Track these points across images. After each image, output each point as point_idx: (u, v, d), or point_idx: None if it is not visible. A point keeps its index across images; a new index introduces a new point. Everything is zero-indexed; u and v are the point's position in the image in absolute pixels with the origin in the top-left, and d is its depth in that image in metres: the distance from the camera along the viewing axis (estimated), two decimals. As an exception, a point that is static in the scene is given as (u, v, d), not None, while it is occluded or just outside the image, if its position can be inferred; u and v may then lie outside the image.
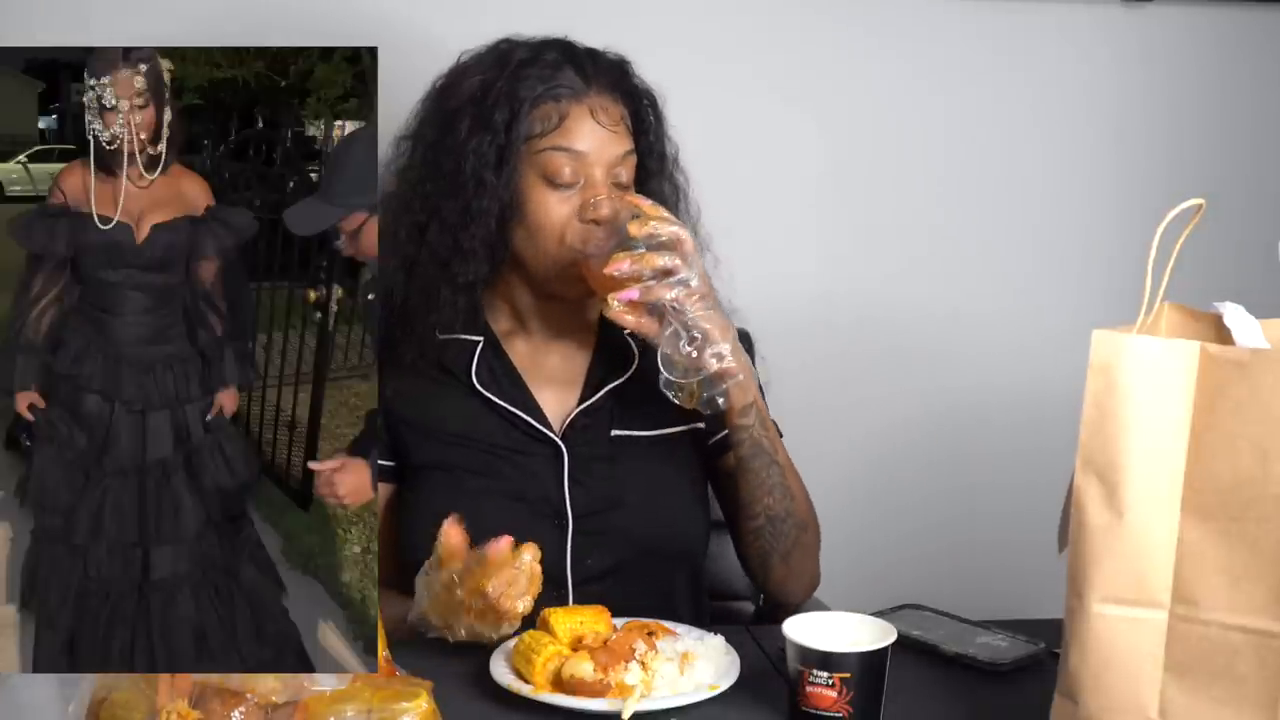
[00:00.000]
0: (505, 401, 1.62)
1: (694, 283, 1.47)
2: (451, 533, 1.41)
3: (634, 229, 1.48)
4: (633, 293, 1.47)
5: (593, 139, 1.57)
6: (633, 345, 1.68)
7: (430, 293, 1.61)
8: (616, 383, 1.65)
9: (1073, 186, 2.32)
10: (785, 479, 1.62)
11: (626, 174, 1.61)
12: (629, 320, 1.48)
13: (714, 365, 1.48)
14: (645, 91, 1.65)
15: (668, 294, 1.46)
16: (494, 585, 1.34)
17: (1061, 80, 2.28)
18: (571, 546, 1.60)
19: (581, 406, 1.64)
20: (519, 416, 1.62)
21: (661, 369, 1.49)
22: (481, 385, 1.63)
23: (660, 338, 1.48)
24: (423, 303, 1.61)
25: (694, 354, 1.47)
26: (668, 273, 1.47)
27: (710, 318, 1.48)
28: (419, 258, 1.60)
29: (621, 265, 1.46)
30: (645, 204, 1.52)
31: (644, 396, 1.64)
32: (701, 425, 1.69)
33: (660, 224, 1.48)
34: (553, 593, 1.58)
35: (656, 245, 1.47)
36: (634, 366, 1.66)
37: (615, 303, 1.48)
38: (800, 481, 1.66)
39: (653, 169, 1.66)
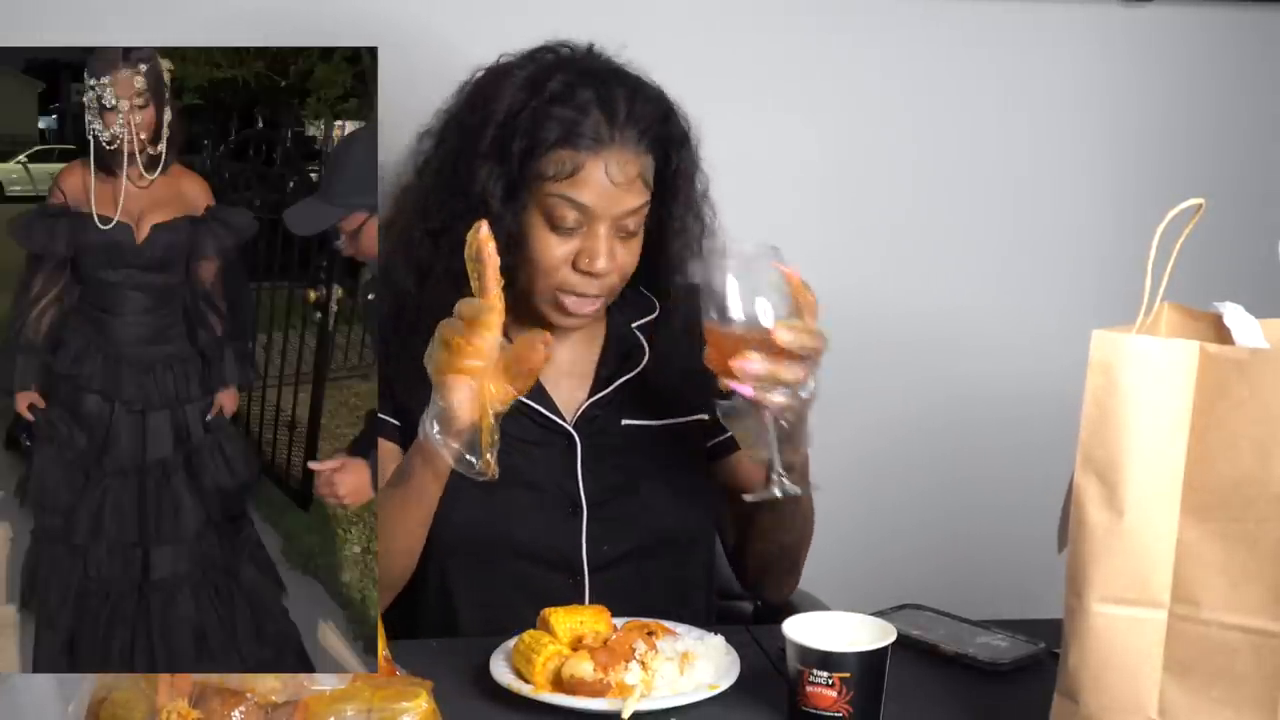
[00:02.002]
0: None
1: (805, 394, 1.37)
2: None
3: (782, 334, 1.34)
4: (746, 389, 1.36)
5: (602, 195, 1.54)
6: (641, 340, 1.69)
7: (445, 303, 1.60)
8: (628, 377, 1.67)
9: (1071, 186, 2.32)
10: (808, 515, 1.64)
11: (635, 224, 1.59)
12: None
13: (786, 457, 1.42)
14: (679, 136, 1.62)
15: (779, 400, 1.36)
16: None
17: (1061, 80, 2.28)
18: (586, 534, 1.61)
19: (593, 398, 1.66)
20: (531, 407, 1.63)
21: (728, 425, 1.44)
22: None
23: (752, 418, 1.39)
24: (437, 311, 1.61)
25: (776, 450, 1.39)
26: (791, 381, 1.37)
27: (805, 424, 1.40)
28: (434, 267, 1.59)
29: (751, 365, 1.34)
30: (804, 297, 1.37)
31: (653, 387, 1.67)
32: (706, 417, 1.70)
33: (808, 337, 1.35)
34: (568, 580, 1.60)
35: (792, 355, 1.35)
36: (644, 360, 1.68)
37: (725, 383, 1.38)
38: (812, 504, 1.66)
39: (676, 212, 1.64)
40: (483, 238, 1.32)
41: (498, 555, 1.59)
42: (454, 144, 1.61)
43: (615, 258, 1.57)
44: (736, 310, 1.35)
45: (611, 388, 1.66)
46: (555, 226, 1.55)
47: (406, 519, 1.51)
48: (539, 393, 1.64)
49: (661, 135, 1.60)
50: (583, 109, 1.55)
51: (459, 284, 1.58)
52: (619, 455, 1.65)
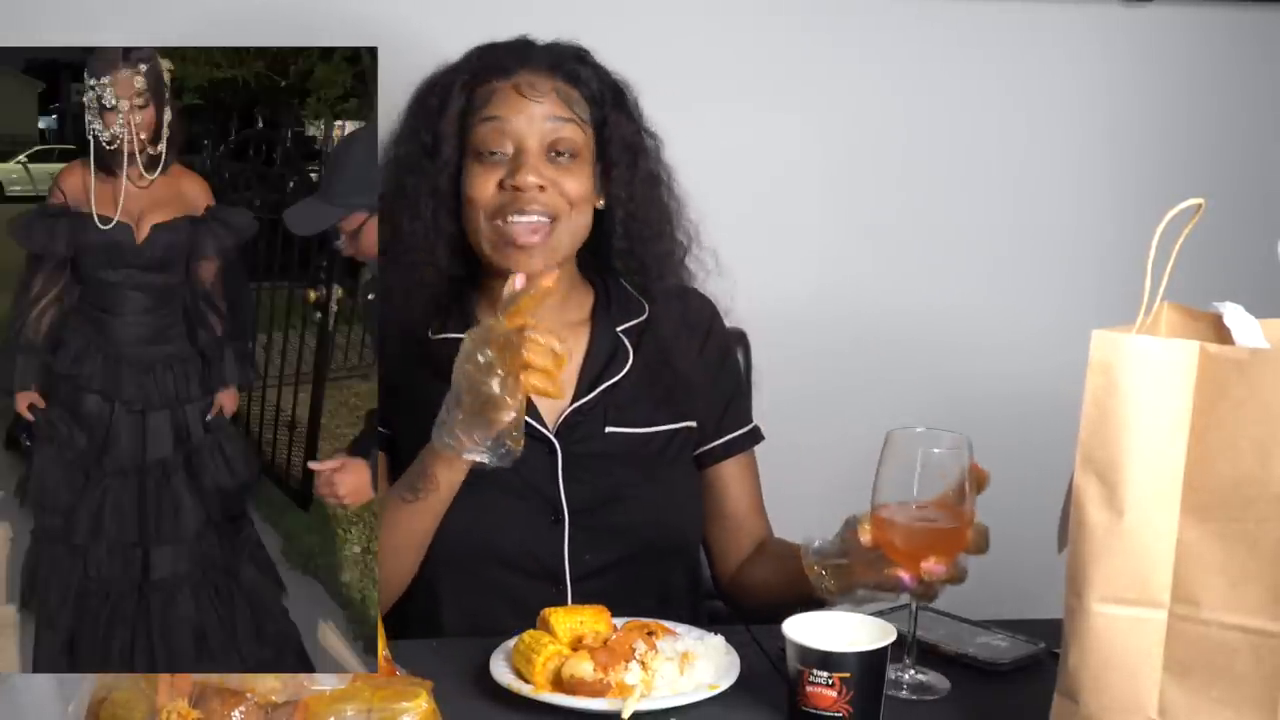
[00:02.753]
0: None
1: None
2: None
3: (974, 540, 1.40)
4: (912, 583, 1.38)
5: (519, 108, 1.59)
6: (626, 344, 1.68)
7: (398, 283, 1.63)
8: (610, 381, 1.65)
9: (1071, 187, 2.32)
10: None
11: (567, 144, 1.60)
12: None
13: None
14: (603, 80, 1.65)
15: (932, 597, 1.41)
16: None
17: (1061, 80, 2.28)
18: (569, 543, 1.60)
19: (575, 405, 1.64)
20: None
21: (821, 564, 1.49)
22: None
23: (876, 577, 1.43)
24: (400, 297, 1.63)
25: (915, 631, 1.41)
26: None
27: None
28: (391, 247, 1.63)
29: (938, 570, 1.37)
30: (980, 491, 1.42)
31: (637, 394, 1.66)
32: (694, 424, 1.70)
33: (985, 541, 1.42)
34: (551, 589, 1.59)
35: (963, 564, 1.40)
36: (628, 365, 1.67)
37: (892, 573, 1.40)
38: None
39: (618, 159, 1.65)
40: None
41: (480, 563, 1.59)
42: (394, 138, 1.67)
43: (550, 179, 1.58)
44: (913, 494, 1.38)
45: (594, 394, 1.64)
46: (481, 156, 1.59)
47: (418, 527, 1.53)
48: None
49: (572, 71, 1.63)
50: (489, 53, 1.63)
51: (407, 255, 1.61)
52: (602, 463, 1.63)
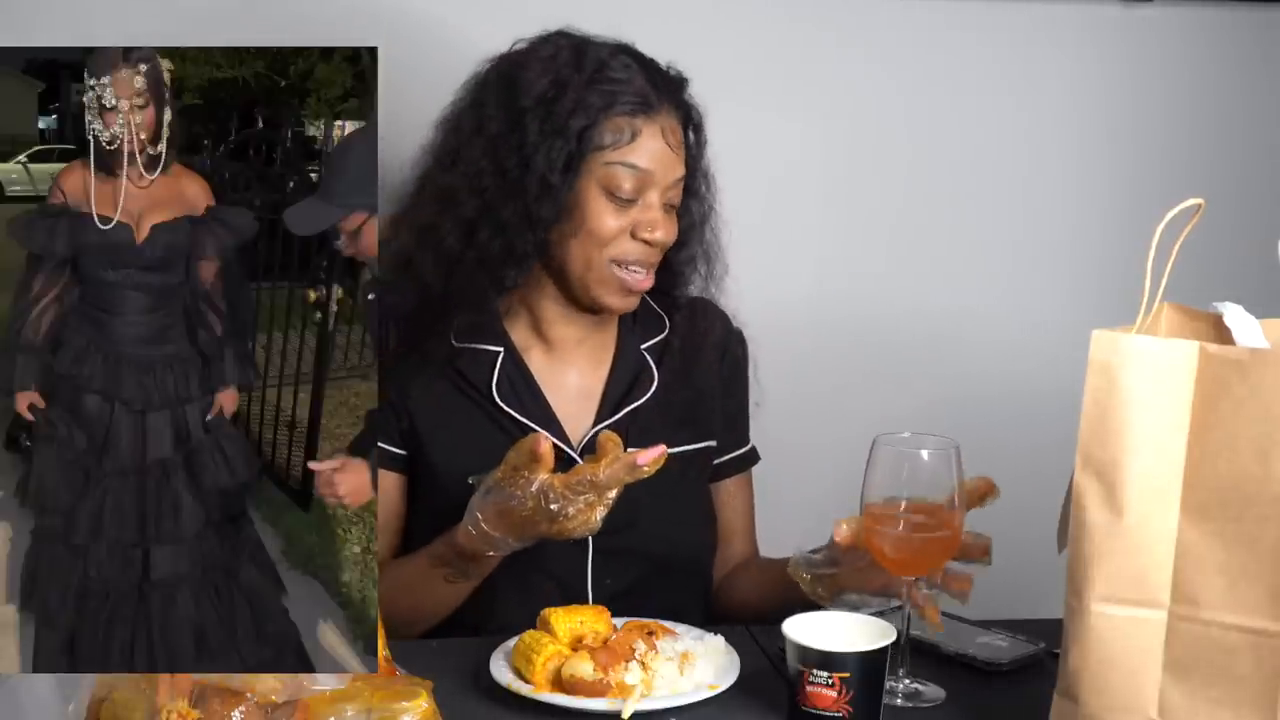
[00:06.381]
0: (526, 418, 1.60)
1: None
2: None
3: (977, 550, 1.44)
4: (919, 595, 1.40)
5: (659, 159, 1.55)
6: (651, 365, 1.66)
7: (471, 292, 1.58)
8: (636, 404, 1.63)
9: (1071, 187, 2.31)
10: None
11: (676, 195, 1.59)
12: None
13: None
14: (697, 110, 1.63)
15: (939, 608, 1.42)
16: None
17: (1062, 80, 2.28)
18: (592, 566, 1.60)
19: (601, 425, 1.61)
20: (538, 432, 1.58)
21: (811, 573, 1.47)
22: (502, 400, 1.61)
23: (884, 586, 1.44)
24: (462, 301, 1.59)
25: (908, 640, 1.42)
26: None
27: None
28: (464, 255, 1.57)
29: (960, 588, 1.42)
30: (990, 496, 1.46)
31: (660, 416, 1.63)
32: (713, 444, 1.69)
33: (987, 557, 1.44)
34: None
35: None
36: (653, 387, 1.64)
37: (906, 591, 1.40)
38: None
39: (697, 189, 1.65)
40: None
41: (505, 586, 1.56)
42: (491, 130, 1.57)
43: (668, 229, 1.58)
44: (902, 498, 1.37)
45: (619, 415, 1.62)
46: (613, 196, 1.55)
47: (459, 599, 1.53)
48: (547, 417, 1.61)
49: (686, 107, 1.61)
50: (629, 76, 1.56)
51: (490, 269, 1.56)
52: (626, 485, 1.62)
